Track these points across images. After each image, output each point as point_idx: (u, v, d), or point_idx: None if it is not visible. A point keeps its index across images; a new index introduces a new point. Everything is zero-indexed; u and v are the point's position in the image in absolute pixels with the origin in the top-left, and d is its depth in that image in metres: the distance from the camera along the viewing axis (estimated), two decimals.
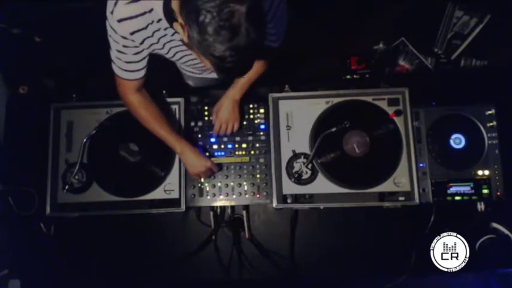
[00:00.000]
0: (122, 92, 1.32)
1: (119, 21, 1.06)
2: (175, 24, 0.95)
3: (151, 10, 1.04)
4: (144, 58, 1.22)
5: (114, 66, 1.24)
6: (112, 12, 1.05)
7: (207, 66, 0.93)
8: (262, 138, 1.53)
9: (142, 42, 1.14)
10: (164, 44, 1.18)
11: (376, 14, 2.56)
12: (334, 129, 1.42)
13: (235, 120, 1.49)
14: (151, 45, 1.16)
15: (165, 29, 1.10)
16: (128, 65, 1.22)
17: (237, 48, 0.83)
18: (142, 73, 1.26)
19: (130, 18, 1.05)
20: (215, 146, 1.54)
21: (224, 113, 1.47)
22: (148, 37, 1.12)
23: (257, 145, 1.53)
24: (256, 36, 0.84)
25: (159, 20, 1.07)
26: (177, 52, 1.27)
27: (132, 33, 1.09)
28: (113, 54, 1.20)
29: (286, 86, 1.54)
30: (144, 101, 1.36)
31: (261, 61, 1.39)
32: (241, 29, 0.81)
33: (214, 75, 1.63)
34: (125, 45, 1.14)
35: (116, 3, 1.04)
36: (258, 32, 0.84)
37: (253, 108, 1.56)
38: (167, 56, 1.29)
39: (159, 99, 1.52)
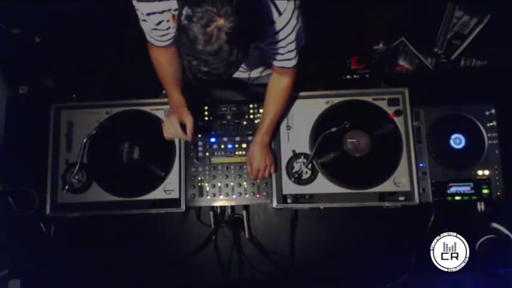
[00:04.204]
0: (150, 47, 1.33)
1: (138, 0, 1.11)
2: (168, 13, 0.97)
3: None
4: (167, 34, 1.23)
5: (142, 24, 1.25)
6: None
7: (184, 66, 0.94)
8: None
9: (158, 24, 1.17)
10: None
11: (376, 14, 2.56)
12: (334, 129, 1.42)
13: (271, 164, 1.45)
14: (168, 28, 1.19)
15: None
16: (152, 32, 1.24)
17: (207, 58, 0.86)
18: (165, 43, 1.28)
19: (148, 0, 1.09)
20: (215, 146, 1.53)
21: (259, 161, 1.43)
22: (163, 21, 1.15)
23: None
24: (229, 53, 0.86)
25: (176, 10, 1.08)
26: None
27: (148, 14, 1.13)
28: (139, 17, 1.22)
29: None
30: (169, 53, 1.33)
31: (280, 99, 1.38)
32: (214, 39, 0.84)
33: None
34: (144, 19, 1.18)
35: None
36: (234, 50, 0.86)
37: (253, 108, 1.56)
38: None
39: None
